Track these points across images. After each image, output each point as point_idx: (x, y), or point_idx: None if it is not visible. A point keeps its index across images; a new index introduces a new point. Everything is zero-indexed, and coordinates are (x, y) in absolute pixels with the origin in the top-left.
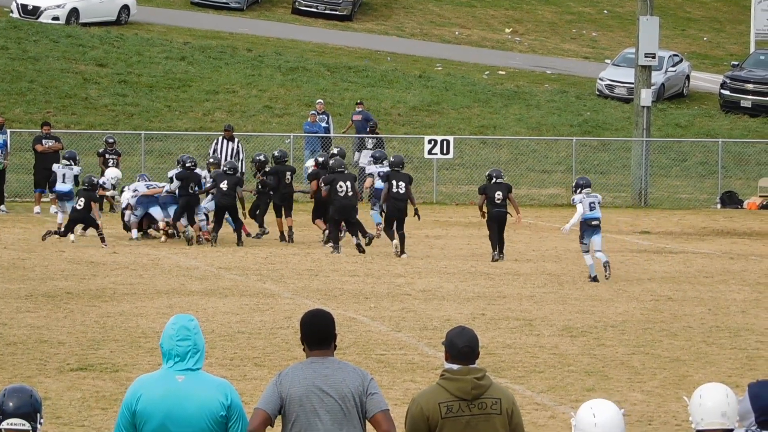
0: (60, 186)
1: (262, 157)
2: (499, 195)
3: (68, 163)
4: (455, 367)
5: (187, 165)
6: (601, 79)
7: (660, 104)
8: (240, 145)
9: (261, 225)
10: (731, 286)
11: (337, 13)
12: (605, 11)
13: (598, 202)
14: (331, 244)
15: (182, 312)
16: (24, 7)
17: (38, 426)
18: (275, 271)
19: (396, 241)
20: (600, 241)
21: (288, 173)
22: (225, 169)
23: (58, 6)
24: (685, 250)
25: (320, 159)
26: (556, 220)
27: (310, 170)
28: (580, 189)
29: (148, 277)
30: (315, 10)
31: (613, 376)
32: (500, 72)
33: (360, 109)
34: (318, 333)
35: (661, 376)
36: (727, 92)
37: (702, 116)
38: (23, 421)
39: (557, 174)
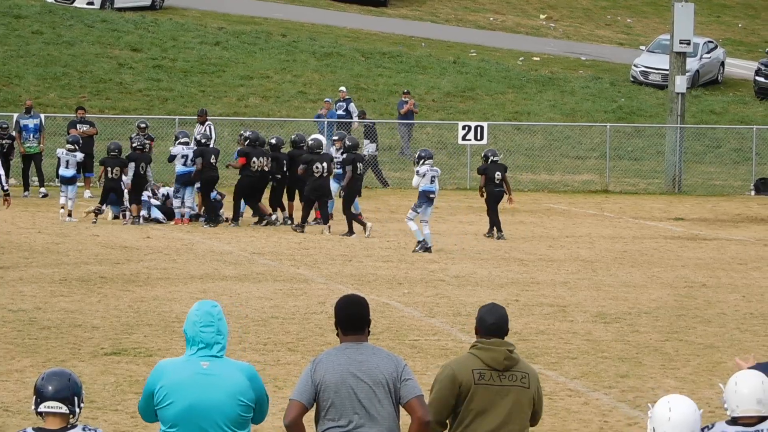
0: (63, 171)
1: (248, 133)
2: (498, 175)
3: (73, 148)
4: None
5: (203, 141)
6: (635, 66)
7: (694, 91)
8: (210, 127)
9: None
10: (765, 273)
11: None
12: None
13: (437, 177)
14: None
15: (216, 297)
16: None
17: (76, 410)
18: (309, 257)
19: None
20: (429, 213)
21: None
22: (201, 140)
23: None
24: (719, 236)
25: (247, 134)
26: (590, 206)
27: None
28: (423, 160)
29: (181, 261)
30: None
31: (647, 363)
32: (535, 58)
33: (407, 99)
34: (352, 318)
35: (694, 362)
36: (761, 79)
37: (736, 103)
38: (60, 404)
39: (591, 160)
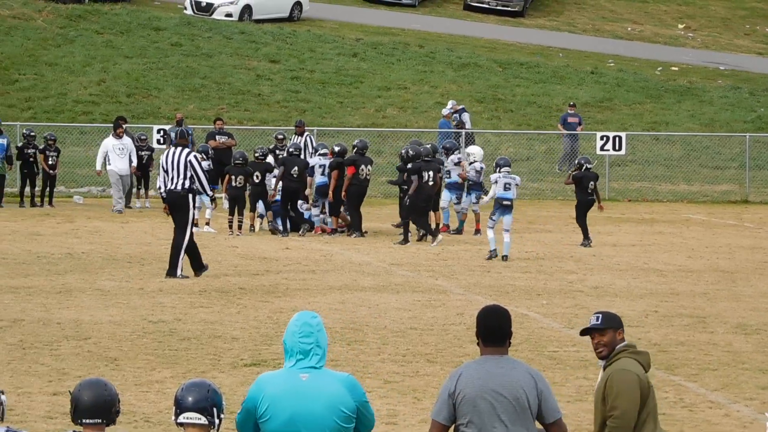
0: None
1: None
2: (591, 184)
3: (202, 157)
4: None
5: (292, 151)
6: None
7: None
8: (309, 138)
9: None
10: None
11: (509, 9)
12: None
13: (516, 184)
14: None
15: (354, 308)
16: (198, 4)
17: (216, 421)
18: (447, 267)
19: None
20: (510, 221)
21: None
22: (291, 150)
23: (232, 2)
24: None
25: (336, 148)
26: (729, 216)
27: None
28: (499, 168)
29: (320, 272)
30: (487, 6)
31: None
32: (673, 68)
33: (573, 111)
34: (494, 329)
35: None
36: None
37: None
38: (199, 415)
39: (730, 170)
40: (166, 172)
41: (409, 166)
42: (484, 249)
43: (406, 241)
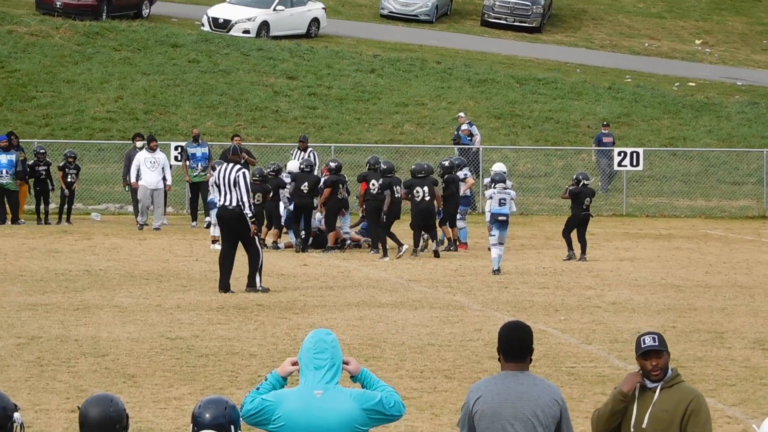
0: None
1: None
2: (587, 201)
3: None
4: None
5: (303, 168)
6: None
7: None
8: (313, 154)
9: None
10: None
11: (527, 24)
12: None
13: (511, 198)
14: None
15: (372, 324)
16: (215, 21)
17: None
18: (465, 283)
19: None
20: (505, 236)
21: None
22: (302, 167)
23: (249, 19)
24: None
25: (332, 165)
26: (747, 231)
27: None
28: (494, 184)
29: (338, 289)
30: (504, 22)
31: None
32: (690, 83)
33: (607, 131)
34: (515, 345)
35: None
36: None
37: None
38: None
39: (748, 186)
40: (218, 188)
41: (381, 180)
42: (504, 264)
43: (384, 255)
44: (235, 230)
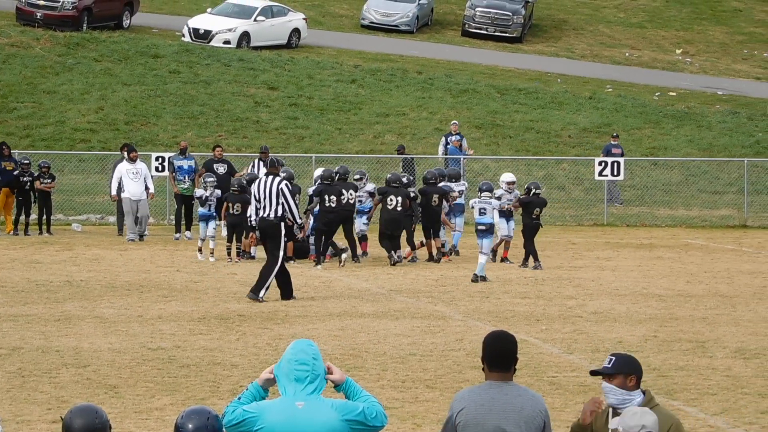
0: (203, 210)
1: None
2: (537, 210)
3: (216, 184)
4: None
5: (354, 176)
6: None
7: None
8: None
9: (413, 248)
10: None
11: (507, 35)
12: None
13: (493, 208)
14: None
15: (354, 334)
16: (196, 31)
17: None
18: (446, 293)
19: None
20: (488, 245)
21: (435, 195)
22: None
23: (230, 30)
24: None
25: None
26: (728, 241)
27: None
28: (480, 193)
29: (319, 299)
30: (485, 32)
31: None
32: (671, 93)
33: (616, 142)
34: (500, 354)
35: None
36: None
37: None
38: None
39: (729, 195)
40: (258, 200)
41: (314, 188)
42: (489, 274)
43: (318, 262)
44: (276, 241)
